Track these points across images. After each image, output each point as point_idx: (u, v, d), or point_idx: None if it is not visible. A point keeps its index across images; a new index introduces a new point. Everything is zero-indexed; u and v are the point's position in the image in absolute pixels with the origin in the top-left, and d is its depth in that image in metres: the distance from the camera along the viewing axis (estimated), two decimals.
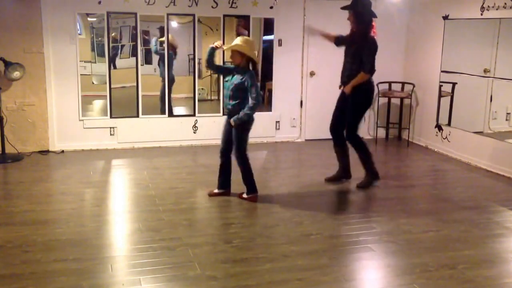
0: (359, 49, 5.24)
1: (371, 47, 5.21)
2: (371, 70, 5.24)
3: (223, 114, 7.49)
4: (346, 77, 5.36)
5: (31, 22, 6.51)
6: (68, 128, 6.91)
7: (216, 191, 5.16)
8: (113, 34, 7.15)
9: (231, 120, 4.82)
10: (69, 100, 6.85)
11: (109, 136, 7.09)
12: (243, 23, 7.43)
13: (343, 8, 5.40)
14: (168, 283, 3.37)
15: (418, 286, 3.37)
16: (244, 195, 5.04)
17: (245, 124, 4.83)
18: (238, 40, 4.82)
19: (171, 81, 7.37)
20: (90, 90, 7.26)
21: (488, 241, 4.15)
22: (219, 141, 7.37)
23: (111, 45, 6.98)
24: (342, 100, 5.47)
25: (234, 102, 4.81)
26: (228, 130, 4.99)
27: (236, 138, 4.89)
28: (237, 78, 4.79)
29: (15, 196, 5.14)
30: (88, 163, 6.44)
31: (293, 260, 3.72)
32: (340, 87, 5.49)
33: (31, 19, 6.51)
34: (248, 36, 7.43)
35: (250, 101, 4.73)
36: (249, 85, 4.71)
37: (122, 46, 7.44)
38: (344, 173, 5.66)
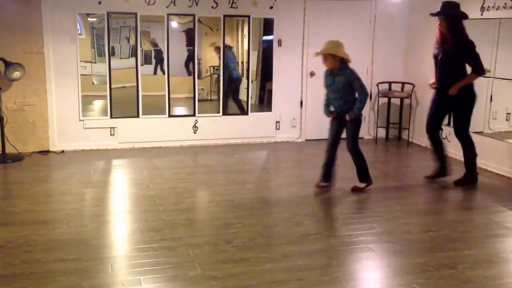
0: (457, 53, 5.36)
1: (472, 48, 5.36)
2: (481, 70, 5.41)
3: (223, 114, 7.51)
4: (447, 80, 5.45)
5: (31, 22, 6.51)
6: (69, 128, 6.91)
7: (323, 184, 5.43)
8: (150, 38, 7.23)
9: (347, 115, 5.13)
10: (69, 100, 6.86)
11: (110, 136, 7.10)
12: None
13: (433, 14, 5.48)
14: (168, 283, 3.37)
15: (418, 286, 3.36)
16: (360, 185, 5.35)
17: (359, 118, 5.20)
18: (327, 44, 5.14)
19: (237, 81, 7.66)
20: (90, 90, 7.26)
21: (488, 241, 4.15)
22: (219, 141, 7.46)
23: (152, 49, 7.09)
24: (442, 101, 5.60)
25: (345, 100, 5.14)
26: (337, 128, 5.30)
27: (351, 133, 5.23)
28: (340, 79, 5.09)
29: (15, 196, 5.14)
30: (89, 163, 6.44)
31: (293, 260, 3.72)
32: (437, 88, 5.60)
33: (31, 19, 6.51)
34: (249, 36, 7.45)
35: (359, 95, 5.07)
36: (353, 80, 5.06)
37: (157, 51, 7.52)
38: (442, 171, 5.74)
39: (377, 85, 7.77)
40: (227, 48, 7.60)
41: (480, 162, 6.35)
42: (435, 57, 5.56)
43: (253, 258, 3.74)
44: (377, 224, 4.46)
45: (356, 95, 5.14)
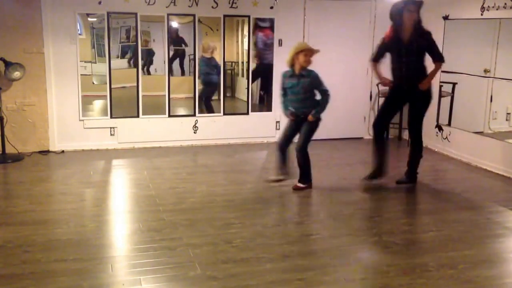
0: (420, 45, 5.29)
1: (432, 37, 5.35)
2: (443, 58, 5.44)
3: (224, 114, 7.51)
4: (412, 75, 5.35)
5: (31, 22, 6.51)
6: (69, 128, 6.91)
7: (279, 177, 5.45)
8: (143, 39, 7.23)
9: (311, 115, 5.16)
10: (69, 100, 6.85)
11: (110, 136, 7.09)
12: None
13: (415, 4, 5.42)
14: (168, 283, 3.37)
15: (418, 286, 3.36)
16: (300, 184, 5.32)
17: (318, 121, 5.25)
18: (306, 45, 5.20)
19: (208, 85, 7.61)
20: (90, 90, 7.26)
21: (488, 241, 4.15)
22: (219, 141, 7.45)
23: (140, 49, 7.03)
24: (399, 99, 5.57)
25: (308, 103, 5.19)
26: (294, 129, 5.35)
27: (306, 134, 5.26)
28: (306, 81, 5.13)
29: (15, 196, 5.14)
30: (89, 163, 6.44)
31: (293, 260, 3.72)
32: (397, 86, 5.46)
33: (31, 19, 6.51)
34: (249, 36, 7.44)
35: (323, 97, 5.16)
36: (319, 84, 5.16)
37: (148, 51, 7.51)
38: (379, 171, 5.69)
39: (377, 85, 7.76)
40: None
41: (481, 162, 6.37)
42: (391, 52, 5.41)
43: (253, 258, 3.74)
44: (378, 224, 4.46)
45: (316, 97, 5.24)
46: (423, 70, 5.38)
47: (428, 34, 5.33)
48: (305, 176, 5.36)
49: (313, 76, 5.15)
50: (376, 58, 5.57)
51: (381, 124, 5.71)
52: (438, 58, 5.37)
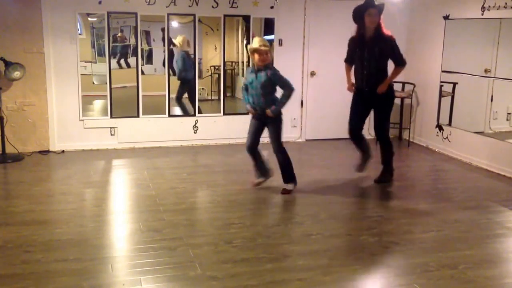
0: (382, 48, 5.29)
1: (395, 42, 5.37)
2: (405, 62, 5.40)
3: (224, 114, 7.50)
4: (375, 79, 5.35)
5: (32, 22, 6.51)
6: (69, 128, 6.91)
7: (258, 180, 5.40)
8: (119, 34, 7.18)
9: (270, 110, 5.05)
10: (69, 100, 6.85)
11: (110, 136, 7.09)
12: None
13: (374, 6, 5.36)
14: (168, 283, 3.36)
15: (418, 286, 3.36)
16: (288, 187, 5.26)
17: (280, 117, 5.14)
18: (260, 42, 4.99)
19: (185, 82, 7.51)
20: (91, 90, 7.26)
21: (489, 241, 4.14)
22: (219, 141, 7.45)
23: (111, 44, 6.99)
24: (365, 103, 5.54)
25: (267, 98, 5.06)
26: (258, 128, 5.25)
27: (275, 134, 5.20)
28: (262, 76, 5.02)
29: (15, 196, 5.14)
30: (89, 163, 6.44)
31: (294, 260, 3.71)
32: (360, 90, 5.47)
33: (32, 19, 6.50)
34: (249, 36, 7.44)
35: (285, 91, 5.06)
36: (276, 80, 5.05)
37: (123, 46, 7.45)
38: (367, 157, 5.72)
39: None
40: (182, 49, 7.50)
41: (481, 162, 6.37)
42: (357, 56, 5.41)
43: (253, 258, 3.73)
44: (378, 224, 4.46)
45: (275, 94, 5.16)
46: (383, 73, 5.37)
47: (391, 40, 5.32)
48: (290, 177, 5.28)
49: (272, 73, 5.02)
50: (348, 59, 5.57)
51: (355, 131, 5.68)
52: (400, 63, 5.36)
